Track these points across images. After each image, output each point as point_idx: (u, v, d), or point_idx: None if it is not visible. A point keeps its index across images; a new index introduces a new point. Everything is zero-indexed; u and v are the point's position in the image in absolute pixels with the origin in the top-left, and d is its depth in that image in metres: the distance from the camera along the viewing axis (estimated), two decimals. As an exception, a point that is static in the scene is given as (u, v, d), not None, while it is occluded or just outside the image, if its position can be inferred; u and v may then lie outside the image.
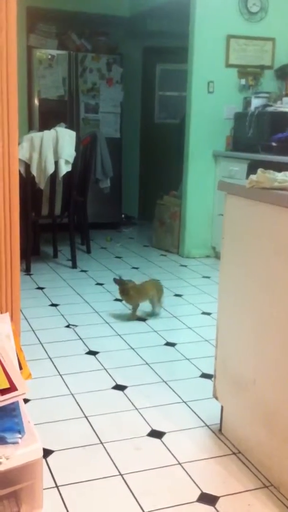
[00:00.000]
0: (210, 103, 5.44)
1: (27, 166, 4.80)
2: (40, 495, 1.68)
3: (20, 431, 1.60)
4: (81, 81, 6.58)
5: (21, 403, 1.68)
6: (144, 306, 3.96)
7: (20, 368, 1.76)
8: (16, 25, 1.98)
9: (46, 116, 6.41)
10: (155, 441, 2.39)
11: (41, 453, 1.61)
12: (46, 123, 5.92)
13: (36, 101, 6.45)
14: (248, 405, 2.22)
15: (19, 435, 1.60)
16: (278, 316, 2.01)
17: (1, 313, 2.10)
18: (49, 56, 6.44)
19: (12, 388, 1.56)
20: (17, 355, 1.80)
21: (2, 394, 1.53)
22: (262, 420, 2.13)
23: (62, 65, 6.48)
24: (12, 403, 1.58)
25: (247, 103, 5.41)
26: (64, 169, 4.89)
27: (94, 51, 6.70)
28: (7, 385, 1.56)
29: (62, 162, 4.86)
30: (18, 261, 2.11)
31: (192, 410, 2.64)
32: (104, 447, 2.33)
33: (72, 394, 2.77)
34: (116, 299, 4.24)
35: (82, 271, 5.05)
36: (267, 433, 2.10)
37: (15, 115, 2.02)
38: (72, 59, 6.51)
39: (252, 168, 4.62)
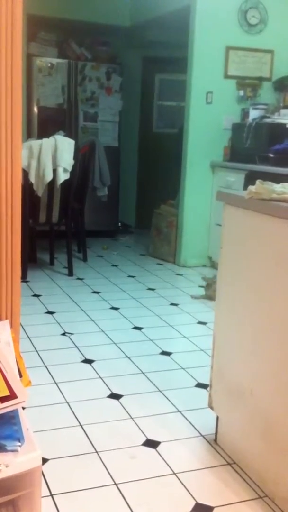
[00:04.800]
0: (209, 114, 5.47)
1: (25, 174, 4.80)
2: (38, 503, 1.67)
3: (20, 439, 1.60)
4: (80, 90, 6.61)
5: (21, 410, 1.68)
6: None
7: (20, 375, 1.76)
8: (21, 34, 1.99)
9: (45, 124, 6.43)
10: (150, 450, 2.39)
11: (40, 461, 1.61)
12: (45, 131, 5.94)
13: (35, 109, 6.47)
14: (244, 415, 2.22)
15: (19, 443, 1.59)
16: (276, 326, 2.01)
17: (1, 320, 2.10)
18: (49, 64, 6.46)
19: (12, 395, 1.55)
20: (16, 362, 1.80)
21: (2, 402, 1.53)
22: (258, 430, 2.13)
23: (62, 74, 6.51)
24: (12, 411, 1.58)
25: (245, 114, 5.44)
26: (63, 177, 4.90)
27: (94, 60, 6.73)
28: (7, 393, 1.55)
29: (60, 170, 4.87)
30: (18, 269, 2.11)
31: (187, 420, 2.64)
32: (99, 456, 2.32)
33: (67, 402, 2.77)
34: (112, 308, 4.25)
35: (78, 279, 5.05)
36: (263, 444, 2.10)
37: (19, 123, 2.03)
38: (71, 67, 6.54)
39: (249, 179, 4.64)
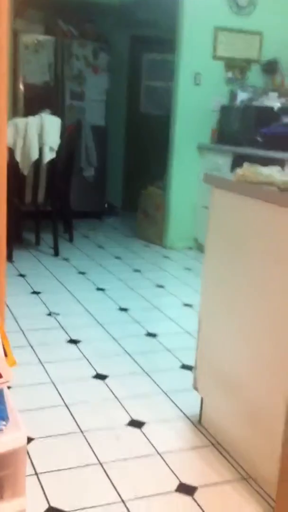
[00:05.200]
0: (197, 95, 5.44)
1: (11, 152, 4.76)
2: (23, 483, 1.68)
3: (4, 418, 1.60)
4: (67, 68, 6.53)
5: (6, 390, 1.68)
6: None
7: (5, 355, 1.76)
8: (7, 11, 1.96)
9: (31, 101, 6.34)
10: (135, 430, 2.41)
11: (25, 441, 1.61)
12: (31, 108, 5.85)
13: (21, 86, 6.38)
14: (228, 397, 2.25)
15: (3, 423, 1.59)
16: (261, 309, 2.03)
17: (-15, 300, 2.09)
18: (36, 41, 6.37)
19: (-4, 375, 1.55)
20: (2, 342, 1.79)
21: (-14, 382, 1.53)
22: (242, 412, 2.15)
23: (48, 51, 6.42)
24: (-4, 391, 1.58)
25: (233, 96, 5.41)
26: (49, 155, 4.86)
27: (81, 37, 6.64)
28: (-9, 373, 1.55)
29: (46, 149, 4.83)
30: (4, 249, 2.09)
31: (172, 401, 2.66)
32: (84, 436, 2.34)
33: (52, 382, 2.77)
34: (98, 289, 4.25)
35: (64, 259, 5.03)
36: (247, 425, 2.13)
37: (4, 101, 2.00)
38: (58, 45, 6.45)
39: (237, 161, 4.63)
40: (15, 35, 6.27)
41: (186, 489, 2.05)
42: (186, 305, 4.03)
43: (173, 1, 5.37)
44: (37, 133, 4.81)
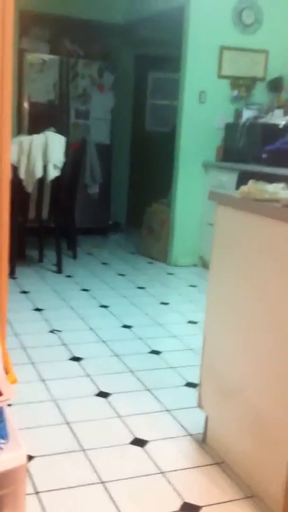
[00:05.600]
0: (202, 113, 5.46)
1: (15, 170, 4.77)
2: (22, 502, 1.65)
3: (4, 436, 1.57)
4: (72, 86, 6.57)
5: (6, 408, 1.65)
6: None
7: (6, 372, 1.73)
8: (12, 30, 1.97)
9: (35, 120, 6.38)
10: (138, 449, 2.36)
11: (25, 459, 1.58)
12: (36, 127, 5.88)
13: (26, 105, 6.42)
14: (234, 414, 2.21)
15: (3, 441, 1.57)
16: (266, 325, 2.00)
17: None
18: (41, 60, 6.42)
19: (-3, 392, 1.53)
20: (2, 359, 1.77)
21: (-14, 398, 1.50)
22: (248, 430, 2.11)
23: (54, 70, 6.47)
24: (-3, 408, 1.55)
25: (238, 114, 5.43)
26: (53, 173, 4.87)
27: (87, 57, 6.69)
28: (-8, 390, 1.53)
29: (50, 167, 4.84)
30: (6, 265, 2.08)
31: (176, 419, 2.62)
32: (86, 454, 2.30)
33: (54, 400, 2.74)
34: (101, 306, 4.22)
35: (67, 276, 5.01)
36: (252, 443, 2.09)
37: (9, 119, 2.00)
38: (63, 64, 6.50)
39: (242, 178, 4.63)
40: (20, 54, 6.33)
41: (190, 509, 2.00)
42: (191, 322, 3.99)
43: (178, 19, 5.41)
44: (41, 151, 4.83)
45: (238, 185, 4.37)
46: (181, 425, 2.57)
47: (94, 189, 6.13)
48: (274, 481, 1.94)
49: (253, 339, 2.08)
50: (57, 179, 4.92)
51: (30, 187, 4.86)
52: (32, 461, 2.21)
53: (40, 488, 2.05)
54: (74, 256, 5.66)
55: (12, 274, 4.82)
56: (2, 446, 1.58)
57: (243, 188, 2.13)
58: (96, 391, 2.86)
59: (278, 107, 5.32)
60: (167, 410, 2.70)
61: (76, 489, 2.07)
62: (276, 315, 1.94)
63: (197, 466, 2.26)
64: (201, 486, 2.14)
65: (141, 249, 6.08)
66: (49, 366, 3.13)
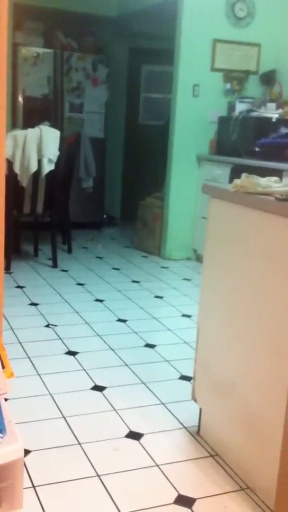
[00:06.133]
0: (195, 107, 5.46)
1: (10, 164, 4.77)
2: (20, 495, 1.67)
3: (2, 430, 1.59)
4: (66, 80, 6.56)
5: (3, 402, 1.67)
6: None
7: (3, 367, 1.75)
8: (7, 23, 1.96)
9: (30, 114, 6.38)
10: (133, 442, 2.39)
11: (22, 453, 1.60)
12: (30, 121, 5.89)
13: (20, 99, 6.41)
14: (227, 408, 2.23)
15: (1, 435, 1.58)
16: (259, 320, 2.02)
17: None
18: (35, 54, 6.40)
19: (-7, 387, 1.54)
20: (-2, 354, 1.79)
21: (-17, 393, 1.52)
22: (241, 423, 2.14)
23: (48, 63, 6.46)
24: (-7, 402, 1.57)
25: (231, 107, 5.44)
26: (47, 167, 4.87)
27: (80, 50, 6.68)
28: (-12, 384, 1.54)
29: (45, 161, 4.84)
30: (2, 260, 2.09)
31: (171, 412, 2.65)
32: (82, 448, 2.32)
33: (50, 394, 2.76)
34: (96, 300, 4.24)
35: (62, 270, 5.03)
36: (245, 436, 2.11)
37: (3, 113, 2.00)
38: (57, 57, 6.49)
39: (235, 172, 4.65)
40: (14, 48, 6.31)
41: (184, 501, 2.03)
42: (185, 315, 4.01)
43: (172, 13, 5.41)
44: (36, 145, 4.83)
45: (231, 179, 4.39)
46: (176, 418, 2.59)
47: (88, 183, 6.13)
48: (265, 474, 1.97)
49: (246, 333, 2.10)
50: (51, 173, 4.93)
51: (25, 182, 4.86)
52: (29, 455, 2.23)
53: (37, 482, 2.08)
54: (69, 250, 5.67)
55: (7, 269, 4.83)
56: (0, 440, 1.60)
57: (236, 182, 2.15)
58: (92, 385, 2.88)
59: (271, 101, 5.33)
60: (162, 403, 2.73)
61: (72, 483, 2.09)
62: (270, 309, 1.96)
63: (192, 459, 2.29)
64: (196, 479, 2.17)
65: (135, 243, 6.10)
66: (45, 360, 3.15)
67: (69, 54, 6.54)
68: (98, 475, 2.14)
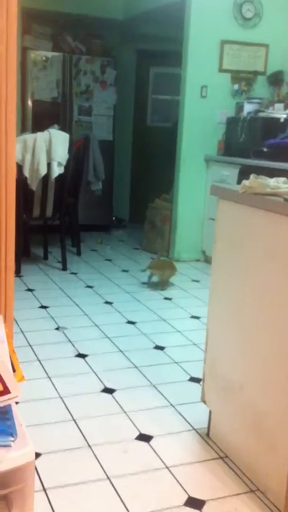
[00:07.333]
0: (203, 108, 5.46)
1: (20, 168, 4.78)
2: (31, 499, 1.67)
3: (13, 434, 1.59)
4: (75, 83, 6.58)
5: (14, 405, 1.67)
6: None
7: (13, 370, 1.75)
8: (16, 27, 1.98)
9: (39, 117, 6.40)
10: (143, 444, 2.39)
11: (33, 456, 1.60)
12: (39, 124, 5.91)
13: (29, 103, 6.44)
14: (236, 409, 2.23)
15: (12, 438, 1.58)
16: (267, 321, 2.02)
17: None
18: (44, 58, 6.43)
19: (5, 390, 1.55)
20: (10, 357, 1.79)
21: (-5, 397, 1.52)
22: (250, 425, 2.14)
23: (56, 67, 6.48)
24: (5, 406, 1.57)
25: (239, 108, 5.43)
26: (57, 171, 4.88)
27: (88, 53, 6.70)
28: (0, 388, 1.55)
29: (54, 164, 4.86)
30: (12, 263, 2.10)
31: (180, 414, 2.65)
32: (92, 451, 2.32)
33: (60, 397, 2.77)
34: (106, 302, 4.25)
35: (72, 273, 5.04)
36: (254, 438, 2.11)
37: (13, 117, 2.02)
38: (66, 61, 6.50)
39: (243, 173, 4.64)
40: (23, 52, 6.34)
41: (194, 503, 2.03)
42: (194, 317, 4.01)
43: (179, 14, 5.41)
44: (45, 149, 4.84)
45: (239, 180, 4.39)
46: (186, 420, 2.59)
47: (98, 186, 6.14)
48: (275, 476, 1.96)
49: (254, 335, 2.10)
50: (61, 176, 4.94)
51: (34, 185, 4.88)
52: (39, 458, 2.24)
53: (47, 485, 2.08)
54: (78, 253, 5.69)
55: (17, 272, 4.85)
56: (11, 443, 1.60)
57: (245, 183, 2.14)
58: (102, 387, 2.89)
59: (279, 101, 5.32)
60: (172, 405, 2.73)
61: (82, 486, 2.10)
62: (279, 310, 1.96)
63: (202, 461, 2.29)
64: (206, 481, 2.17)
65: (144, 245, 6.10)
66: (55, 363, 3.16)
67: (77, 57, 6.56)
68: (108, 478, 2.15)
